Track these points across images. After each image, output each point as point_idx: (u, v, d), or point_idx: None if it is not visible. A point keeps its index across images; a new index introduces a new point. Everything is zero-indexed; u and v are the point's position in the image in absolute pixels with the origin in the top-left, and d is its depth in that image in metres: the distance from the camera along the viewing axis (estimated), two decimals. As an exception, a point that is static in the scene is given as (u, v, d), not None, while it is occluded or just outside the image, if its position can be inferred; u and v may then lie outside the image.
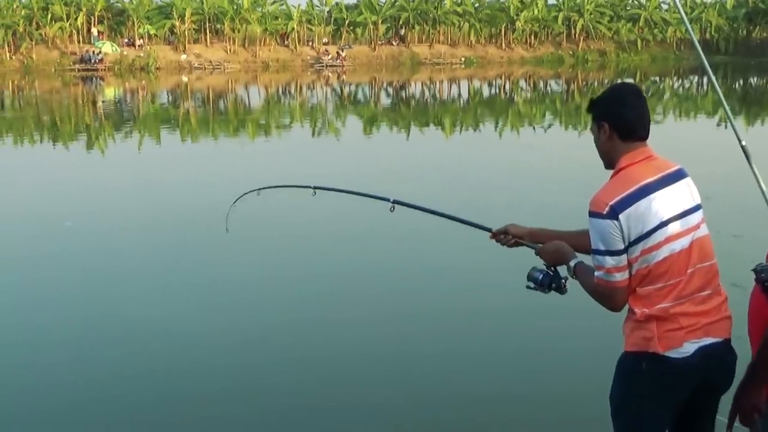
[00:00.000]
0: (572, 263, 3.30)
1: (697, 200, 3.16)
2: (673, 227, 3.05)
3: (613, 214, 3.00)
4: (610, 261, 3.04)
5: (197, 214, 12.43)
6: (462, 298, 8.32)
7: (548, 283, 3.44)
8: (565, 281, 3.43)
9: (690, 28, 5.14)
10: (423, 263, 9.67)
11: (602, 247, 3.05)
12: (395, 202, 4.24)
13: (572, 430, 5.44)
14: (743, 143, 4.39)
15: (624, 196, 3.02)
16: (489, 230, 3.74)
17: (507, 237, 3.65)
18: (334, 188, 5.04)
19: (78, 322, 7.78)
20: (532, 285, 3.47)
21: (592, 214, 3.07)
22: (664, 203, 3.05)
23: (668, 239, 3.03)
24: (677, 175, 3.14)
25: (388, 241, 10.40)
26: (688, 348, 3.05)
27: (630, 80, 50.77)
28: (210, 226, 11.70)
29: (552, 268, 3.46)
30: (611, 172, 3.21)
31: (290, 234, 11.08)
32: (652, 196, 3.03)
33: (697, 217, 3.13)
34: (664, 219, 3.03)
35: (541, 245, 3.50)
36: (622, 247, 3.02)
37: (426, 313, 7.89)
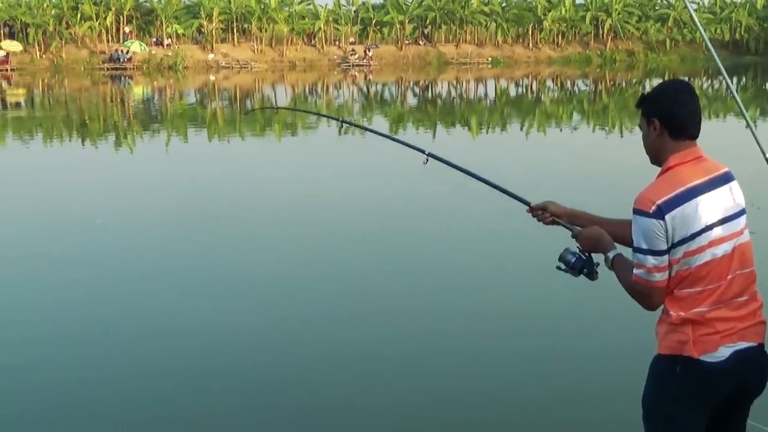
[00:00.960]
0: (611, 254, 3.24)
1: (742, 205, 3.12)
2: (717, 231, 3.01)
3: (660, 213, 2.96)
4: (651, 260, 3.01)
5: (223, 211, 12.55)
6: (490, 298, 8.33)
7: (580, 267, 3.37)
8: (597, 267, 3.38)
9: (703, 33, 5.08)
10: (452, 262, 9.69)
11: (645, 246, 3.01)
12: (430, 155, 4.19)
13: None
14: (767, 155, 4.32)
15: (671, 196, 2.98)
16: (527, 204, 3.67)
17: (544, 214, 3.57)
18: (376, 131, 5.10)
19: (104, 319, 7.86)
20: (563, 266, 3.41)
21: (638, 212, 3.02)
22: (710, 207, 3.01)
23: (711, 243, 3.00)
24: (724, 179, 3.10)
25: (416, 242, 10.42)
26: (723, 352, 3.02)
27: (659, 80, 50.36)
28: (237, 224, 11.85)
29: (586, 253, 3.39)
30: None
31: (314, 235, 11.16)
32: (698, 198, 2.99)
33: (741, 222, 3.09)
34: (709, 223, 3.00)
35: (579, 228, 3.44)
36: (665, 247, 2.98)
37: (449, 312, 7.91)
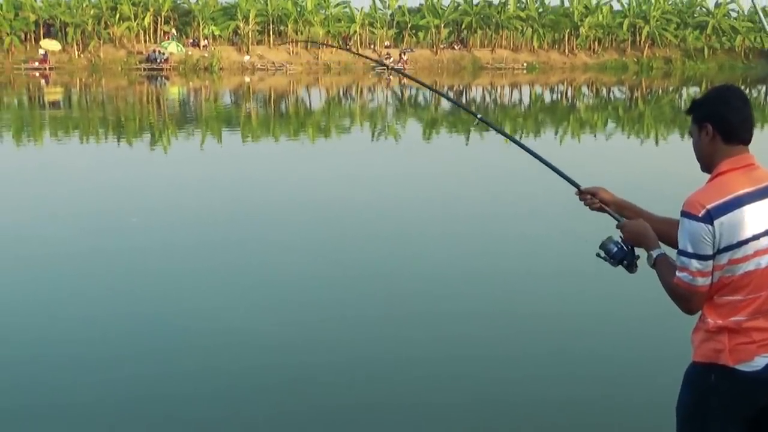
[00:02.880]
0: (655, 253, 3.22)
1: None
2: (764, 242, 3.00)
3: (709, 218, 2.95)
4: (696, 265, 2.99)
5: (257, 211, 12.66)
6: (521, 301, 8.33)
7: (620, 258, 3.35)
8: (637, 261, 3.35)
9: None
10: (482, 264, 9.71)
11: (690, 250, 2.99)
12: (482, 120, 4.18)
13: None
14: None
15: (721, 202, 2.96)
16: (577, 186, 3.63)
17: (593, 199, 3.53)
18: (431, 87, 5.16)
19: (137, 317, 7.93)
20: (602, 254, 3.38)
21: (686, 215, 3.00)
22: (758, 216, 2.99)
23: (757, 253, 2.98)
24: None
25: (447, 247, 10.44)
26: (759, 362, 3.01)
27: (696, 88, 49.97)
28: (270, 223, 11.94)
29: (628, 245, 3.36)
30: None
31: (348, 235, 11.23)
32: (747, 207, 2.97)
33: None
34: (756, 233, 2.98)
35: (625, 219, 3.41)
36: (710, 252, 2.96)
37: (482, 313, 7.92)
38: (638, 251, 3.35)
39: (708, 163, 3.15)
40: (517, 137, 3.89)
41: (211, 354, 6.97)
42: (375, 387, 6.33)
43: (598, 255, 3.41)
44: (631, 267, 3.37)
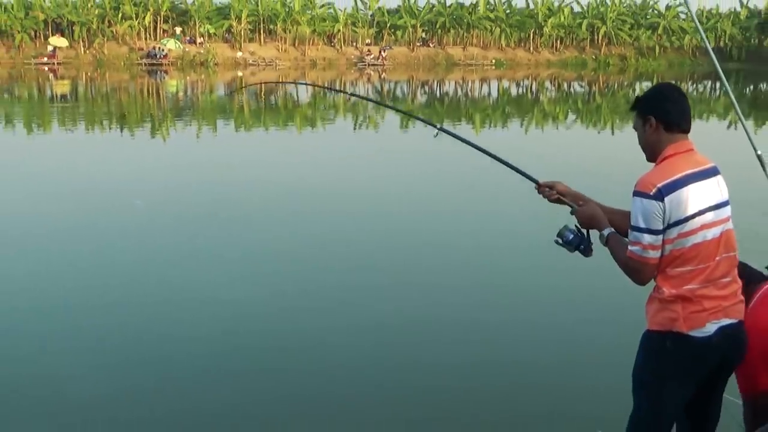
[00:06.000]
0: (606, 232, 3.28)
1: (727, 196, 3.18)
2: (709, 216, 3.07)
3: (660, 195, 3.02)
4: (647, 238, 3.05)
5: (254, 193, 12.61)
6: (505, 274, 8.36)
7: (576, 243, 3.40)
8: (591, 246, 3.39)
9: (705, 36, 5.08)
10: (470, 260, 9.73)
11: (642, 225, 3.05)
12: (441, 129, 4.10)
13: (589, 401, 5.37)
14: (759, 152, 4.36)
15: (670, 181, 3.04)
16: (536, 182, 3.63)
17: (551, 191, 3.55)
18: (381, 101, 4.90)
19: (140, 297, 7.80)
20: (560, 241, 3.43)
21: (639, 194, 3.07)
22: (702, 194, 3.07)
23: (703, 227, 3.05)
24: (712, 171, 3.17)
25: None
26: (710, 328, 3.08)
27: (648, 83, 50.12)
28: (268, 205, 11.90)
29: (583, 231, 3.41)
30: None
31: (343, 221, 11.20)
32: (692, 185, 3.05)
33: (727, 211, 3.16)
34: (701, 208, 3.06)
35: (578, 206, 3.45)
36: (661, 227, 3.03)
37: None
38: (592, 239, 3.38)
39: (652, 152, 3.23)
40: (477, 142, 3.85)
41: (210, 336, 6.86)
42: (352, 375, 6.10)
43: (556, 242, 3.45)
44: (587, 251, 3.41)
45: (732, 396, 3.62)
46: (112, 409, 5.32)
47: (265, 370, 6.01)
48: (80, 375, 5.84)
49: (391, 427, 5.14)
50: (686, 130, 3.20)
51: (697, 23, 4.86)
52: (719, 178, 3.18)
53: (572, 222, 3.45)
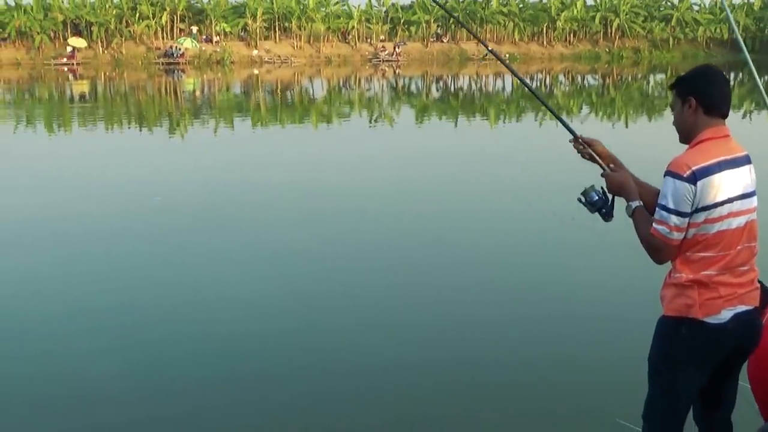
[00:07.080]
0: (633, 204, 3.20)
1: (755, 187, 3.15)
2: (737, 205, 3.04)
3: (693, 178, 2.97)
4: (674, 220, 3.01)
5: (270, 192, 12.63)
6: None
7: (599, 206, 3.30)
8: (613, 212, 3.29)
9: (735, 28, 5.00)
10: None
11: (672, 206, 3.01)
12: (491, 51, 4.12)
13: (608, 392, 5.37)
14: None
15: (705, 165, 2.99)
16: (574, 134, 3.49)
17: (586, 147, 3.43)
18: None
19: (160, 294, 7.87)
20: (583, 200, 3.33)
21: (672, 174, 3.01)
22: (733, 182, 3.03)
23: (730, 214, 3.02)
24: (745, 160, 3.12)
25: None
26: (725, 315, 3.05)
27: (662, 75, 49.79)
28: (283, 204, 11.91)
29: (609, 196, 3.32)
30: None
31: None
32: (725, 172, 3.01)
33: (754, 201, 3.13)
34: (731, 196, 3.02)
35: (610, 169, 3.35)
36: (689, 210, 2.99)
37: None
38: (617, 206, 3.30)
39: (688, 134, 3.17)
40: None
41: (222, 332, 6.88)
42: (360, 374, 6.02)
43: (579, 200, 3.36)
44: (608, 216, 3.32)
45: (747, 383, 3.60)
46: (130, 408, 5.33)
47: (280, 368, 6.00)
48: (97, 376, 5.83)
49: (405, 424, 5.10)
50: (725, 115, 3.14)
51: (729, 14, 4.78)
52: (751, 167, 3.14)
53: (599, 183, 3.34)
